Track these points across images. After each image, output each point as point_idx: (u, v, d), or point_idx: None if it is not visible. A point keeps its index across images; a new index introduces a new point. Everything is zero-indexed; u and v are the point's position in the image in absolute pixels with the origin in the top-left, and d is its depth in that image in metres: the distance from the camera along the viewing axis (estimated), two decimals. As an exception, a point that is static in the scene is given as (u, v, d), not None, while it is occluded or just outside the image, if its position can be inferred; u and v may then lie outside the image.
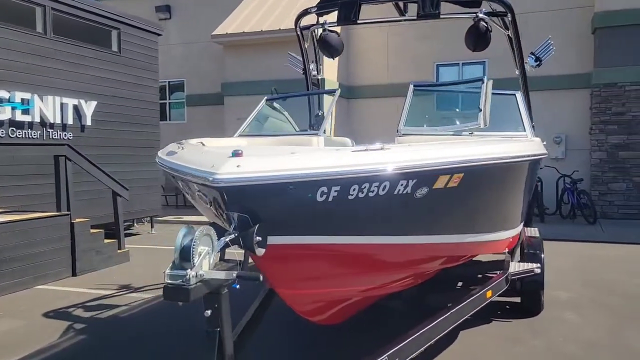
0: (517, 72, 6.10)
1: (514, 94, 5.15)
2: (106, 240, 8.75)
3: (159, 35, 12.51)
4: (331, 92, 5.34)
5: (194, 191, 2.69)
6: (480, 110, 4.18)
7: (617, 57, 12.88)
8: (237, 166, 2.35)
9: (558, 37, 14.02)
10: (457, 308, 3.94)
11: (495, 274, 5.00)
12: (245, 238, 2.38)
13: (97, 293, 6.99)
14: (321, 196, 2.51)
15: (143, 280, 7.60)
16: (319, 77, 6.75)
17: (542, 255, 5.76)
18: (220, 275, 2.34)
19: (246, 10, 15.94)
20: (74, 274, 7.96)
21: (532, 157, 4.72)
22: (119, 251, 8.98)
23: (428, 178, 2.91)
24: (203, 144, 3.81)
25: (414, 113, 4.54)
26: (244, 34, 14.76)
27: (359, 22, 5.41)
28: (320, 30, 5.86)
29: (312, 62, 6.60)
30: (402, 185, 2.74)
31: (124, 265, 8.86)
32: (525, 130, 4.91)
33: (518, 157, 4.12)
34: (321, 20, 5.91)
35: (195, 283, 2.25)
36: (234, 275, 2.39)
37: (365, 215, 2.78)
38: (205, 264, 2.31)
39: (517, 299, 5.84)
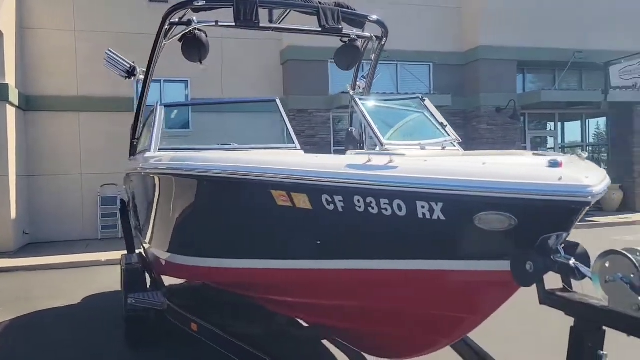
0: (351, 92, 6.44)
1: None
2: None
3: None
4: (270, 101, 4.59)
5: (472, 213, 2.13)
6: (446, 125, 4.38)
7: (305, 87, 14.80)
8: (586, 177, 1.99)
9: (252, 66, 15.27)
10: None
11: None
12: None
13: None
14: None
15: None
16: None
17: None
18: None
19: None
20: None
21: None
22: None
23: None
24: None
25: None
26: None
27: (261, 26, 4.82)
28: (190, 29, 4.92)
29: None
30: None
31: None
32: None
33: None
34: (190, 16, 4.97)
35: None
36: None
37: None
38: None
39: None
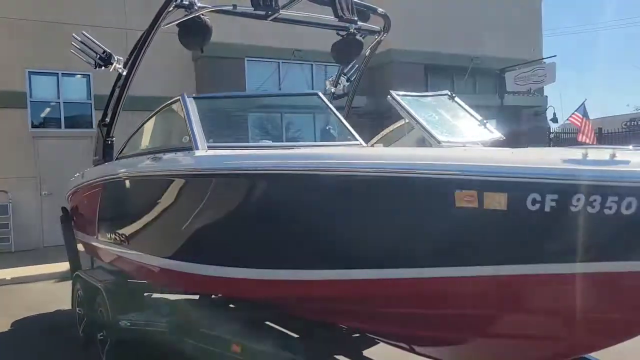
0: (333, 90, 6.14)
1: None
2: None
3: None
4: (311, 95, 4.10)
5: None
6: (486, 121, 4.27)
7: (219, 85, 14.09)
8: None
9: (162, 62, 14.15)
10: None
11: None
12: None
13: None
14: None
15: None
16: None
17: None
18: None
19: None
20: None
21: None
22: None
23: None
24: None
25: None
26: None
27: (281, 10, 4.33)
28: (199, 13, 4.32)
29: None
30: None
31: None
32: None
33: None
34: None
35: None
36: None
37: None
38: None
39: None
